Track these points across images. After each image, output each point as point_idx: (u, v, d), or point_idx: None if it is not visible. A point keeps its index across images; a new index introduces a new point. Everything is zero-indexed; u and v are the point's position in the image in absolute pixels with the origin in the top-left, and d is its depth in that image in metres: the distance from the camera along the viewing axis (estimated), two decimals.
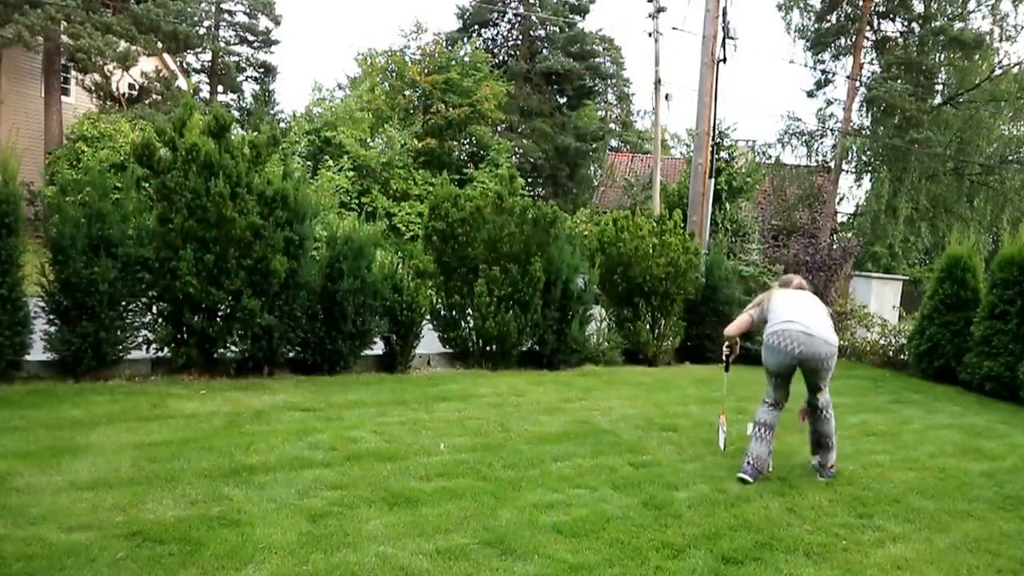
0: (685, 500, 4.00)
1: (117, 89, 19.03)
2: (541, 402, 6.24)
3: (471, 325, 7.75)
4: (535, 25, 32.83)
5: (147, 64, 20.20)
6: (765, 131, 79.05)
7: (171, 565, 2.83)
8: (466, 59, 27.47)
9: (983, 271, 9.46)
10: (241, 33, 32.00)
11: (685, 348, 9.66)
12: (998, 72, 22.03)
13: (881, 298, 12.81)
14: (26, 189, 14.48)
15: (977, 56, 22.32)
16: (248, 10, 31.53)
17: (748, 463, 4.50)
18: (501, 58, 32.72)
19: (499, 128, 30.07)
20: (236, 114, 29.55)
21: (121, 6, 18.16)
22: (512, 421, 5.43)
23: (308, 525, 3.29)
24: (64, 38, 17.42)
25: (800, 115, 41.59)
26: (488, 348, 7.77)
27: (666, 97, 20.77)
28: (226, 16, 31.44)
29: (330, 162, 21.23)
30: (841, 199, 24.11)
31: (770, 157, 23.68)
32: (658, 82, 21.34)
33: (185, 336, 6.06)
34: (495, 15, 33.04)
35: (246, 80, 32.99)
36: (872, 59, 24.36)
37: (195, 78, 30.00)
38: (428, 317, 7.54)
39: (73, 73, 19.22)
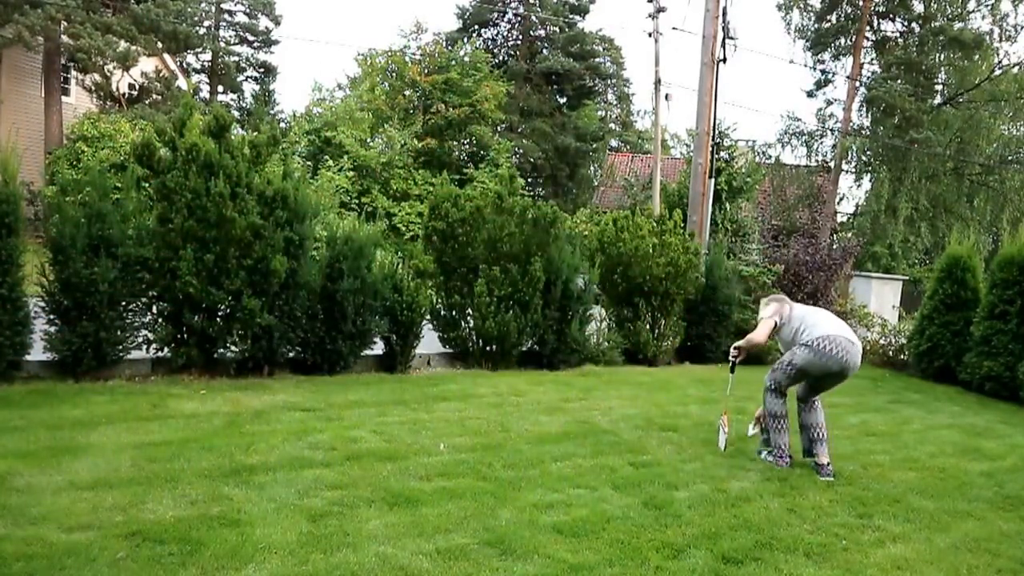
0: (685, 500, 4.00)
1: (117, 89, 19.03)
2: (541, 402, 6.24)
3: (471, 325, 7.75)
4: (535, 25, 32.83)
5: (147, 64, 20.20)
6: (765, 131, 79.06)
7: (171, 565, 2.83)
8: (466, 59, 27.48)
9: (983, 271, 9.46)
10: (241, 33, 31.99)
11: (685, 348, 9.66)
12: (998, 72, 22.03)
13: (881, 298, 12.82)
14: (26, 189, 14.47)
15: (977, 56, 22.32)
16: (248, 10, 31.52)
17: (783, 456, 4.83)
18: (501, 58, 32.73)
19: (499, 128, 30.07)
20: (236, 114, 29.56)
21: (121, 6, 18.16)
22: (512, 421, 5.43)
23: (308, 525, 3.29)
24: (64, 38, 17.43)
25: (800, 115, 41.56)
26: (488, 348, 7.77)
27: (666, 97, 20.78)
28: (226, 16, 31.44)
29: (330, 162, 21.24)
30: (841, 199, 24.12)
31: (770, 157, 23.68)
32: (658, 82, 21.34)
33: (185, 336, 6.06)
34: (495, 15, 33.05)
35: (246, 80, 33.00)
36: (872, 59, 24.37)
37: (195, 78, 30.00)
38: (428, 317, 7.54)
39: (73, 73, 19.23)
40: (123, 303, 5.80)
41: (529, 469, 4.32)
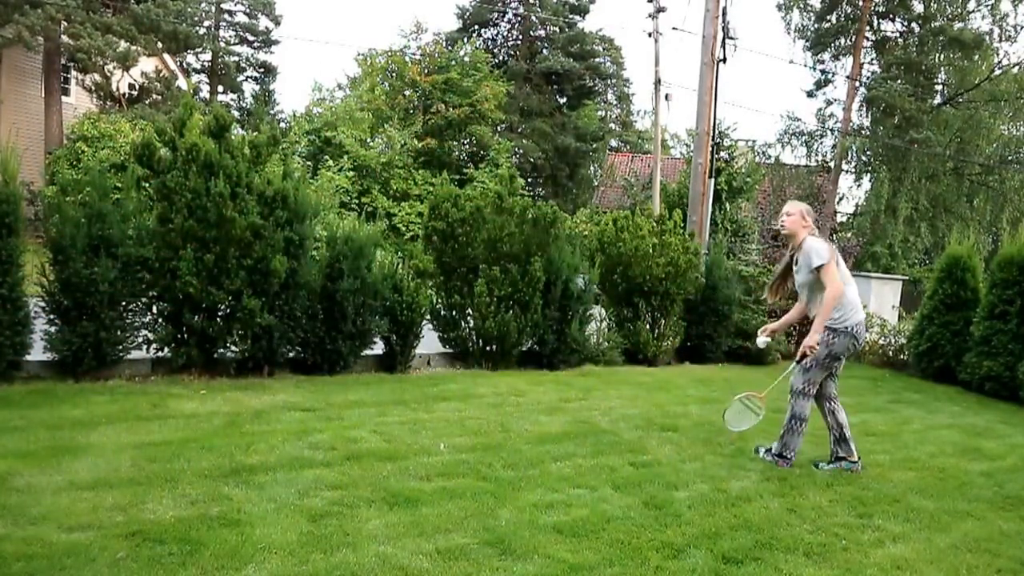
0: (685, 500, 3.99)
1: (117, 89, 19.04)
2: (541, 402, 6.24)
3: (471, 325, 7.75)
4: (535, 25, 32.84)
5: (147, 64, 20.21)
6: (765, 131, 79.08)
7: (171, 565, 2.83)
8: (466, 59, 27.49)
9: (983, 271, 9.46)
10: (241, 33, 32.02)
11: (685, 348, 9.66)
12: (998, 72, 22.04)
13: (881, 298, 12.80)
14: (26, 189, 14.47)
15: (977, 56, 22.33)
16: (248, 10, 31.55)
17: (790, 460, 4.74)
18: (501, 58, 32.74)
19: (499, 128, 30.08)
20: (236, 114, 29.57)
21: (121, 6, 18.17)
22: (512, 421, 5.43)
23: (308, 525, 3.29)
24: (64, 38, 17.44)
25: (800, 115, 41.59)
26: (488, 348, 7.77)
27: (666, 97, 20.81)
28: (226, 16, 31.46)
29: (330, 162, 21.25)
30: (841, 199, 24.13)
31: (770, 157, 23.69)
32: (658, 82, 21.35)
33: (185, 336, 6.06)
34: (495, 15, 33.07)
35: (246, 80, 33.03)
36: (872, 59, 24.38)
37: (195, 78, 30.03)
38: (428, 317, 7.54)
39: (73, 73, 19.24)
40: (123, 303, 5.80)
41: (529, 469, 4.32)
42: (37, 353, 5.56)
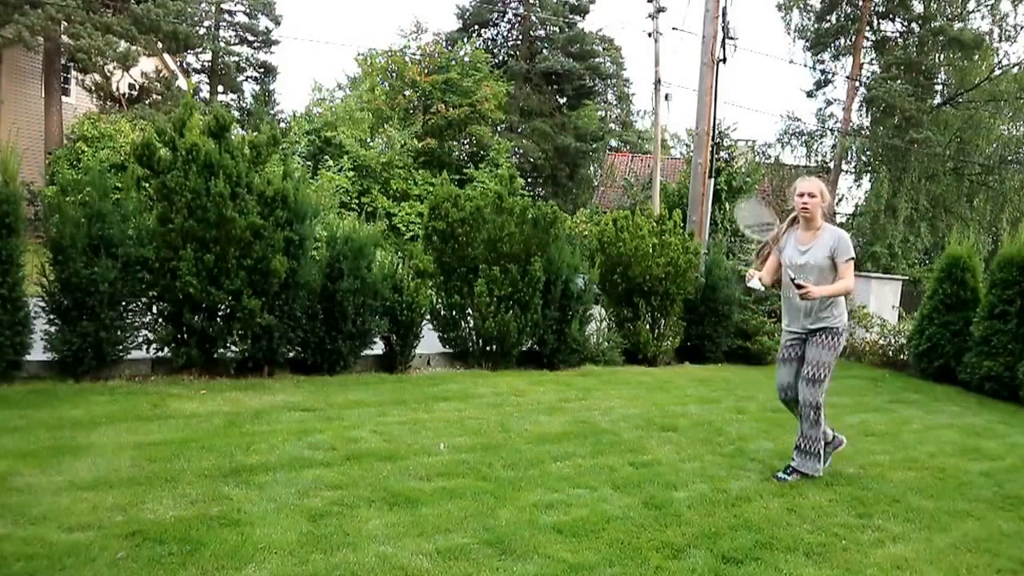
0: (685, 500, 3.99)
1: (117, 89, 19.05)
2: (541, 402, 6.24)
3: (471, 325, 7.75)
4: (535, 25, 32.85)
5: (147, 64, 20.22)
6: (765, 131, 79.08)
7: (171, 565, 2.83)
8: (466, 59, 27.47)
9: (983, 271, 9.46)
10: (241, 33, 32.05)
11: (685, 348, 9.66)
12: (998, 72, 22.06)
13: (880, 298, 12.81)
14: (26, 189, 14.47)
15: (976, 56, 22.35)
16: (248, 10, 31.57)
17: (819, 470, 4.54)
18: (501, 58, 32.75)
19: (499, 128, 30.09)
20: (236, 114, 29.57)
21: (121, 6, 18.17)
22: (512, 421, 5.43)
23: (308, 525, 3.29)
24: (64, 38, 17.44)
25: (800, 115, 41.49)
26: (488, 348, 7.77)
27: (666, 97, 20.81)
28: (226, 16, 31.48)
29: (330, 162, 21.25)
30: (841, 199, 24.15)
31: (770, 157, 23.74)
32: (658, 82, 21.35)
33: (185, 336, 6.06)
34: (495, 15, 33.09)
35: (246, 80, 33.06)
36: (872, 59, 24.41)
37: (195, 78, 30.05)
38: (428, 317, 7.53)
39: (73, 73, 19.24)
40: (123, 303, 5.80)
41: (529, 469, 4.32)
42: (37, 353, 5.56)
